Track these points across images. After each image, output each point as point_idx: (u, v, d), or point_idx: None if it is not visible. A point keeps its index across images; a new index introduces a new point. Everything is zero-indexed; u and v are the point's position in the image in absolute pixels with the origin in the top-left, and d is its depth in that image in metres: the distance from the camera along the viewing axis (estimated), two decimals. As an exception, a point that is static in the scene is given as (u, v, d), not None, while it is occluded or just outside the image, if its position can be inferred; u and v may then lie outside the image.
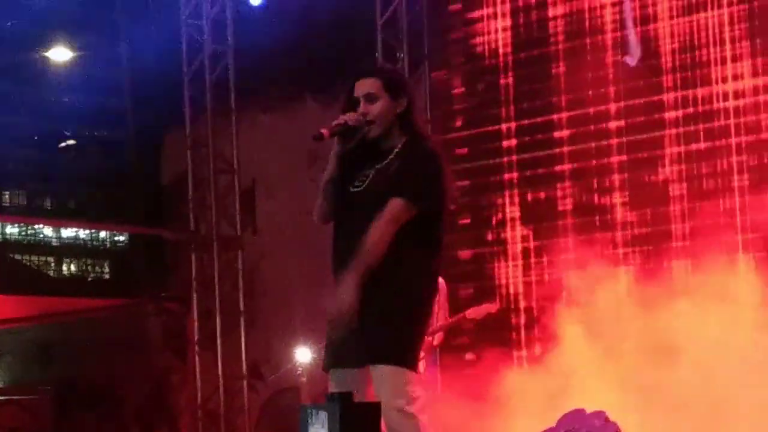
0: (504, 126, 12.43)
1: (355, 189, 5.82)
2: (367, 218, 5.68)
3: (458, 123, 12.88)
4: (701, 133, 11.21)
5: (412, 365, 5.65)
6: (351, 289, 5.54)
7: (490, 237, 12.56)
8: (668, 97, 11.32)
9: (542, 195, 12.18)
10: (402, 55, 12.70)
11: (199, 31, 13.59)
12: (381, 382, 5.59)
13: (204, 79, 13.56)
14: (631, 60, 10.66)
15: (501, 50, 12.49)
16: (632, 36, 10.50)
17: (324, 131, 5.69)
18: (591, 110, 11.85)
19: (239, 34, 13.54)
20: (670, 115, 11.39)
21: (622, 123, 11.71)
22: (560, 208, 12.04)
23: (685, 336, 9.32)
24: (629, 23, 10.51)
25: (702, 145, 11.22)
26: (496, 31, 12.50)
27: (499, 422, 8.81)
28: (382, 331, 5.64)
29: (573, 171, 11.96)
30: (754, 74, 10.98)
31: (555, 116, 12.13)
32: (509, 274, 12.33)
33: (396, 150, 5.79)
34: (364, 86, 5.80)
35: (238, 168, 13.50)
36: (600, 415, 3.67)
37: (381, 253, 5.62)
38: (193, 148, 13.62)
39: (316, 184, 6.05)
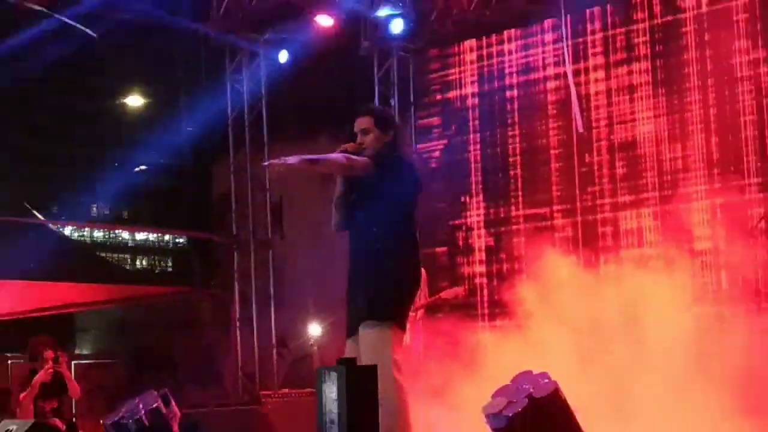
0: (471, 156, 12.52)
1: (354, 201, 5.87)
2: (360, 224, 5.81)
3: (436, 153, 12.87)
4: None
5: (390, 321, 5.61)
6: (294, 158, 5.58)
7: (460, 237, 12.60)
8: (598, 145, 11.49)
9: (501, 202, 12.20)
10: (393, 101, 12.81)
11: (239, 83, 13.58)
12: (363, 342, 5.59)
13: (243, 119, 13.55)
14: (581, 127, 10.60)
15: (469, 102, 12.57)
16: (577, 110, 10.39)
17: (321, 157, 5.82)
18: (538, 142, 11.96)
19: (270, 85, 13.52)
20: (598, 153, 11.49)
21: (557, 151, 11.86)
22: (513, 214, 12.04)
23: (622, 311, 9.14)
24: (575, 101, 10.43)
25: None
26: (464, 85, 12.60)
27: (467, 379, 8.67)
28: (364, 301, 5.67)
29: (524, 187, 12.10)
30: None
31: (510, 146, 12.18)
32: (474, 265, 12.41)
33: None
34: (361, 123, 5.90)
35: (269, 187, 13.55)
36: (544, 375, 3.78)
37: (326, 166, 5.77)
38: (235, 173, 13.63)
39: (327, 199, 6.16)
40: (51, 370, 9.74)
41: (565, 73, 10.83)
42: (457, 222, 12.63)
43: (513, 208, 12.10)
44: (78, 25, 10.65)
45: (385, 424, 5.24)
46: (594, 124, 11.25)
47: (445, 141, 12.88)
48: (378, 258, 5.76)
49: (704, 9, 10.79)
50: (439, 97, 12.92)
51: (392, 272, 5.74)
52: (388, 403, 5.37)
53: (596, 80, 11.42)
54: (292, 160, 5.63)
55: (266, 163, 5.78)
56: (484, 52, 12.48)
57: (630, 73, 11.28)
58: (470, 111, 12.58)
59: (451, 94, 12.75)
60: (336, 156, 5.73)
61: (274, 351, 13.56)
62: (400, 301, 5.80)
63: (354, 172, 5.78)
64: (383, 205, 5.77)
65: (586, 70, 11.48)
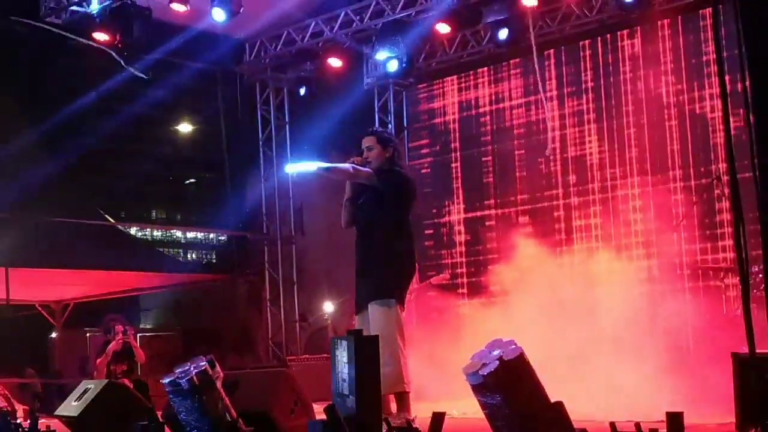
0: (453, 168, 12.56)
1: (360, 202, 5.97)
2: (365, 221, 5.88)
3: (425, 167, 12.88)
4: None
5: (393, 300, 5.69)
6: (312, 164, 5.70)
7: (444, 234, 12.62)
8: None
9: (477, 204, 12.22)
10: (390, 126, 12.82)
11: (267, 112, 13.55)
12: (371, 317, 5.69)
13: (271, 140, 13.51)
14: (548, 151, 10.61)
15: (451, 126, 12.59)
16: (549, 136, 10.40)
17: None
18: (506, 156, 11.98)
19: (292, 113, 13.53)
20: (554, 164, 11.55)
21: (522, 163, 11.85)
22: (487, 213, 12.05)
23: (578, 290, 9.17)
24: (548, 126, 10.43)
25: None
26: (447, 113, 12.62)
27: (451, 346, 8.56)
28: (371, 284, 5.78)
29: (496, 193, 12.08)
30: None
31: (484, 158, 12.22)
32: (456, 256, 12.39)
33: None
34: (366, 141, 5.99)
35: (292, 195, 13.54)
36: (511, 342, 3.79)
37: (336, 173, 5.82)
38: (265, 184, 13.58)
39: (339, 205, 6.17)
40: (122, 341, 9.77)
41: (527, 103, 10.96)
42: (442, 220, 12.59)
43: (487, 209, 12.09)
44: (135, 71, 10.63)
45: (391, 377, 5.31)
46: (552, 143, 11.23)
47: (431, 158, 12.89)
48: (382, 251, 5.79)
49: (638, 50, 10.82)
50: (426, 122, 12.92)
51: (394, 262, 5.81)
52: (394, 361, 5.49)
53: (552, 108, 11.39)
54: (308, 166, 5.66)
55: (288, 166, 5.86)
56: (463, 86, 12.48)
57: (579, 103, 11.30)
58: (452, 133, 12.59)
59: (437, 120, 12.76)
60: (345, 166, 5.79)
61: (297, 325, 13.54)
62: (401, 284, 5.84)
63: (359, 179, 5.82)
64: (386, 208, 5.80)
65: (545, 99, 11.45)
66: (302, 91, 12.81)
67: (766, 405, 3.29)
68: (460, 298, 11.84)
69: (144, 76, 10.91)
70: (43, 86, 18.19)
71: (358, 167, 5.79)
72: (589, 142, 11.20)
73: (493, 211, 12.03)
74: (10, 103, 15.43)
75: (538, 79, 10.25)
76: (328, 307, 14.34)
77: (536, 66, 9.97)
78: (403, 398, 5.61)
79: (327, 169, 5.73)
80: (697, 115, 10.28)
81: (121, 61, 10.15)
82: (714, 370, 6.84)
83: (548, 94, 11.31)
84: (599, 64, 11.17)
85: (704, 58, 10.23)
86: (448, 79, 12.62)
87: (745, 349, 4.88)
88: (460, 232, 12.39)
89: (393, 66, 10.87)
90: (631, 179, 10.75)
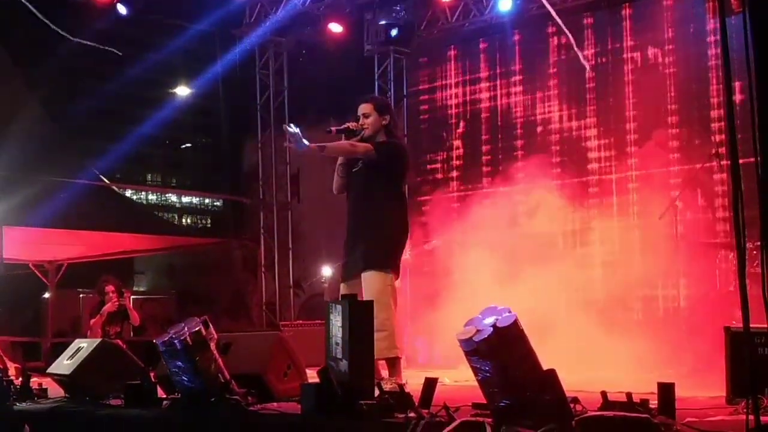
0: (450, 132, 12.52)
1: (354, 170, 5.97)
2: (360, 189, 5.89)
3: (424, 138, 12.74)
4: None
5: (388, 269, 5.73)
6: (306, 143, 5.60)
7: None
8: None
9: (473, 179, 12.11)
10: (390, 93, 12.72)
11: (266, 76, 13.49)
12: (366, 285, 5.71)
13: (269, 105, 13.47)
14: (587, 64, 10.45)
15: (449, 92, 12.43)
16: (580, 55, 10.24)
17: (333, 129, 5.99)
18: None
19: (291, 78, 13.46)
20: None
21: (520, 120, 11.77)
22: (485, 189, 12.04)
23: (556, 264, 9.22)
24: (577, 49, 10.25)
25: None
26: (445, 80, 12.48)
27: (440, 316, 8.74)
28: (366, 252, 5.76)
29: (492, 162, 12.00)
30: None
31: (483, 125, 12.04)
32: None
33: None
34: (363, 108, 5.98)
35: (289, 161, 13.51)
36: (506, 309, 3.80)
37: (332, 152, 5.80)
38: (262, 149, 13.57)
39: (333, 170, 6.18)
40: (117, 302, 9.80)
41: (527, 76, 10.96)
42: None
43: (486, 186, 11.84)
44: (110, 49, 10.60)
45: (384, 343, 5.38)
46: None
47: (427, 126, 12.76)
48: (378, 220, 5.81)
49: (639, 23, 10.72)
50: (426, 91, 12.75)
51: (389, 231, 5.83)
52: (387, 327, 5.55)
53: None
54: (304, 145, 5.64)
55: (287, 145, 5.85)
56: (463, 55, 12.33)
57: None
58: (450, 99, 12.41)
59: (437, 88, 12.57)
60: (342, 144, 5.82)
61: (291, 290, 13.60)
62: (396, 253, 5.87)
63: (356, 155, 5.83)
64: (381, 178, 5.83)
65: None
66: (301, 56, 12.77)
67: (757, 379, 3.30)
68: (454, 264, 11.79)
69: (118, 53, 10.92)
70: (42, 47, 18.07)
71: (356, 143, 5.79)
72: (587, 119, 11.07)
73: (490, 189, 11.80)
74: (8, 65, 15.32)
75: (571, 38, 10.06)
76: (326, 271, 14.36)
77: (564, 28, 9.81)
78: (394, 364, 5.68)
79: (321, 147, 5.72)
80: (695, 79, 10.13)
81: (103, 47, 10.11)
82: (706, 344, 6.91)
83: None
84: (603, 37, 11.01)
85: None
86: (450, 47, 12.47)
87: (735, 324, 4.91)
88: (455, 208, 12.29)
89: (393, 33, 10.81)
90: (628, 152, 10.64)
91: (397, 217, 5.91)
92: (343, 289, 5.93)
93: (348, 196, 6.05)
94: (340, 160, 6.03)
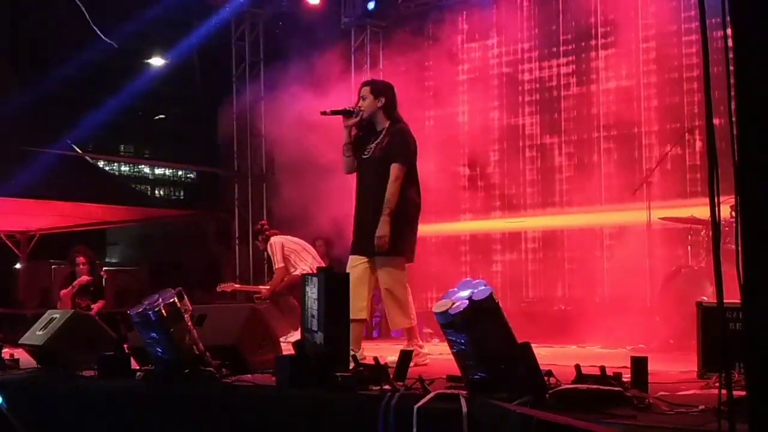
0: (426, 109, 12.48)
1: (365, 156, 6.15)
2: (374, 174, 6.08)
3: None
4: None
5: (401, 254, 6.01)
6: (386, 227, 5.87)
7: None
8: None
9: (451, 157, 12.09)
10: (366, 67, 12.56)
11: (242, 47, 13.37)
12: (382, 267, 5.99)
13: (245, 78, 13.35)
14: None
15: (426, 64, 12.28)
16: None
17: (328, 111, 6.26)
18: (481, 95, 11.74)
19: (267, 48, 13.35)
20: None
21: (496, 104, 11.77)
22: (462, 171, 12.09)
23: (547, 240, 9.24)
24: None
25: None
26: (423, 53, 12.28)
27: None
28: (389, 237, 5.92)
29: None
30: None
31: (459, 98, 11.98)
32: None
33: (384, 130, 6.12)
34: (362, 91, 6.23)
35: (265, 134, 13.33)
36: (481, 282, 3.81)
37: (396, 200, 5.92)
38: (237, 121, 13.43)
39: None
40: (90, 278, 9.73)
41: (508, 48, 10.91)
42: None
43: (461, 166, 11.80)
44: (103, 36, 10.51)
45: (407, 316, 5.99)
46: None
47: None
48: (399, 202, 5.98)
49: None
50: (402, 65, 12.48)
51: (403, 216, 6.01)
52: (406, 304, 6.02)
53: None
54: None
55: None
56: (442, 29, 12.15)
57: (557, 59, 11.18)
58: (427, 72, 12.28)
59: (413, 59, 12.36)
60: (394, 191, 5.91)
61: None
62: (408, 237, 6.09)
63: (402, 180, 5.97)
64: (398, 159, 6.00)
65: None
66: (278, 27, 12.65)
67: (727, 354, 3.34)
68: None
69: (114, 45, 10.86)
70: (15, 17, 17.80)
71: (394, 180, 5.94)
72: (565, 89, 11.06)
73: (468, 171, 11.80)
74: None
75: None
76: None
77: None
78: (411, 331, 6.15)
79: (391, 208, 5.96)
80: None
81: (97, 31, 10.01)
82: (677, 320, 6.99)
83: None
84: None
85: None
86: (427, 21, 12.35)
87: (707, 300, 4.96)
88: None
89: (371, 6, 10.71)
90: (600, 129, 10.66)
91: (412, 202, 6.08)
92: (351, 261, 6.12)
93: (358, 177, 6.23)
94: (345, 139, 6.18)
